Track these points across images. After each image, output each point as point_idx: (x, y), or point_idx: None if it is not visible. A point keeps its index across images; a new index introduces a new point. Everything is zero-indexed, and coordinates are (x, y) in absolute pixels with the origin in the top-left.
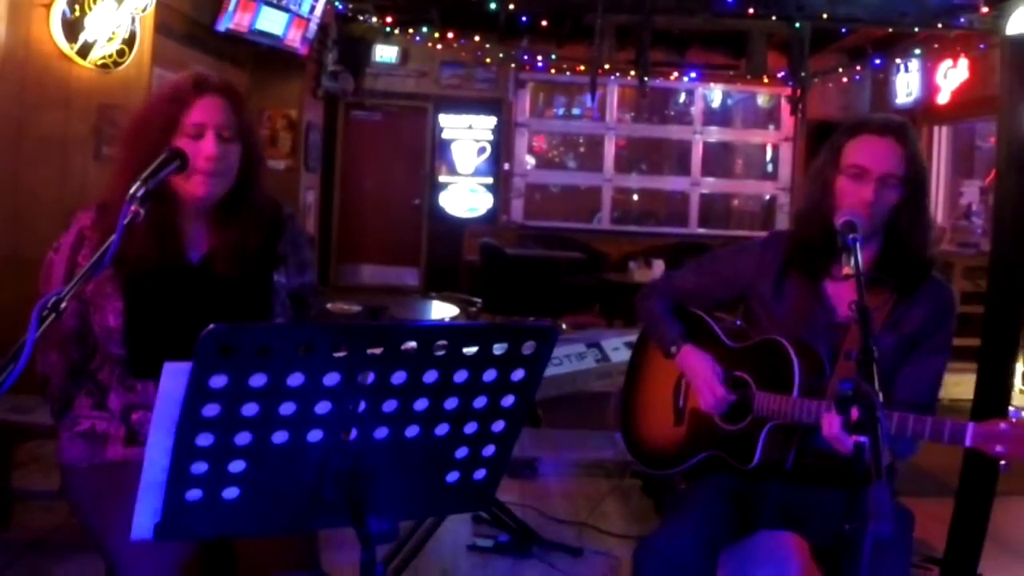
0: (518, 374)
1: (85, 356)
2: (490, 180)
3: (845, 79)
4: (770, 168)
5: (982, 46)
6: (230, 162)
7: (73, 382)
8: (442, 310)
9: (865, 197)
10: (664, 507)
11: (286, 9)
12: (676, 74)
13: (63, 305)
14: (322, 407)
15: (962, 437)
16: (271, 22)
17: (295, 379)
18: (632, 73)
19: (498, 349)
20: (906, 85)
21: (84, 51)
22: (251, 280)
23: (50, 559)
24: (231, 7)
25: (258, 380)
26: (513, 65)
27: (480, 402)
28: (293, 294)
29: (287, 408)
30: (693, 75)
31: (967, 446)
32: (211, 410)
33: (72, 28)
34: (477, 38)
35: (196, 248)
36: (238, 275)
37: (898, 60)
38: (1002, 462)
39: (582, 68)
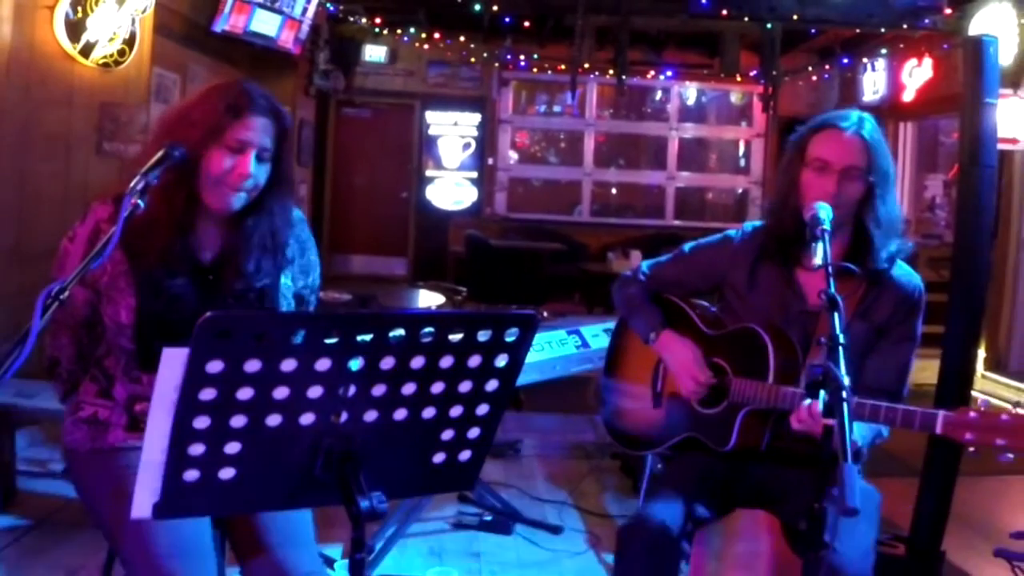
0: (501, 360)
1: (93, 342)
2: (475, 174)
3: (815, 77)
4: (742, 163)
5: (946, 46)
6: (258, 182)
7: (80, 366)
8: (429, 299)
9: (828, 189)
10: (644, 488)
11: (279, 11)
12: (653, 73)
13: (65, 295)
14: (314, 391)
15: (932, 425)
16: (265, 24)
17: (288, 364)
18: (610, 72)
19: (482, 336)
20: (873, 83)
21: (86, 51)
22: (260, 287)
23: (54, 538)
24: (227, 9)
25: (252, 365)
26: (497, 64)
27: (465, 386)
28: (296, 293)
29: (280, 392)
30: (669, 74)
31: (937, 434)
32: (208, 394)
33: (75, 29)
34: (462, 38)
35: (208, 249)
36: (249, 282)
37: (865, 59)
38: (971, 448)
39: (563, 67)
